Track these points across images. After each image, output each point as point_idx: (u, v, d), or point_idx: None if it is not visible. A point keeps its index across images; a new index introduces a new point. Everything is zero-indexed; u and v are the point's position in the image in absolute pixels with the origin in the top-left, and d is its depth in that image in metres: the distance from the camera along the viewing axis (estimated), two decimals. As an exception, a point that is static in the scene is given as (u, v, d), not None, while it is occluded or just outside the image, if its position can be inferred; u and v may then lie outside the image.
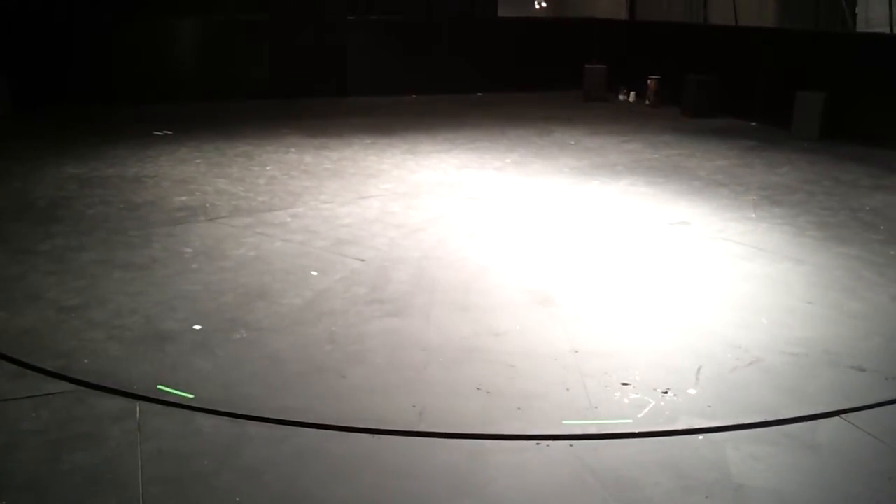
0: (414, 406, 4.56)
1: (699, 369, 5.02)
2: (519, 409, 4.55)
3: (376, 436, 4.24)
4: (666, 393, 4.73)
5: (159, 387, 4.74)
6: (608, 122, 14.31)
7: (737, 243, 7.53)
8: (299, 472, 3.96)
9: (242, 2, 16.45)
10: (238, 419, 4.40)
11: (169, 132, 12.66)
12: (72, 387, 4.77)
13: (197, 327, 5.58)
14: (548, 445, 4.18)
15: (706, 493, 3.80)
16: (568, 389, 4.76)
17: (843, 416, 4.49)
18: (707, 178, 10.15)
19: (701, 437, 4.28)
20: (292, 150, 11.52)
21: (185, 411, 4.50)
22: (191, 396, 4.64)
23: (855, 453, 4.17)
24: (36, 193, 9.00)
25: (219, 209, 8.46)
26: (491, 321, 5.75)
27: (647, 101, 16.28)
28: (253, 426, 4.34)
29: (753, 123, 14.12)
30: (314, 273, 6.64)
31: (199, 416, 4.44)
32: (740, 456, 4.10)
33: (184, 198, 8.87)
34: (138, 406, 4.54)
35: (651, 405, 4.60)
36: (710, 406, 4.59)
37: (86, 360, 5.06)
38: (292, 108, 15.10)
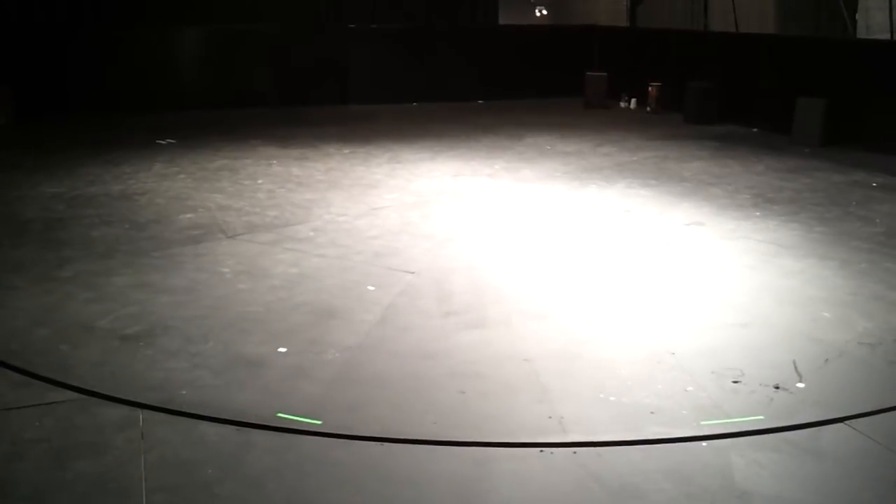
0: (550, 417, 4.55)
1: (795, 364, 5.23)
2: (652, 413, 4.61)
3: (381, 443, 4.24)
4: (777, 388, 4.90)
5: (279, 414, 4.55)
6: (605, 129, 14.23)
7: (757, 241, 7.85)
8: (302, 481, 3.95)
9: (244, 11, 16.13)
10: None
11: (172, 140, 12.26)
12: (75, 395, 4.67)
13: (282, 350, 5.38)
14: (551, 453, 4.20)
15: (710, 501, 3.80)
16: (686, 391, 4.87)
17: (847, 422, 4.53)
18: (694, 178, 10.53)
19: (705, 443, 4.30)
20: (274, 161, 11.22)
21: (188, 419, 4.41)
22: (319, 423, 4.48)
23: (860, 459, 4.17)
24: (24, 215, 8.42)
25: (233, 226, 8.15)
26: (572, 327, 5.80)
27: (648, 109, 16.29)
28: (257, 434, 4.30)
29: (755, 130, 14.15)
30: (371, 288, 6.51)
31: (203, 425, 4.38)
32: (744, 462, 4.11)
33: (189, 215, 8.50)
34: (141, 414, 4.47)
35: (771, 401, 4.76)
36: (823, 398, 4.79)
37: (184, 392, 4.79)
38: (283, 118, 14.76)
